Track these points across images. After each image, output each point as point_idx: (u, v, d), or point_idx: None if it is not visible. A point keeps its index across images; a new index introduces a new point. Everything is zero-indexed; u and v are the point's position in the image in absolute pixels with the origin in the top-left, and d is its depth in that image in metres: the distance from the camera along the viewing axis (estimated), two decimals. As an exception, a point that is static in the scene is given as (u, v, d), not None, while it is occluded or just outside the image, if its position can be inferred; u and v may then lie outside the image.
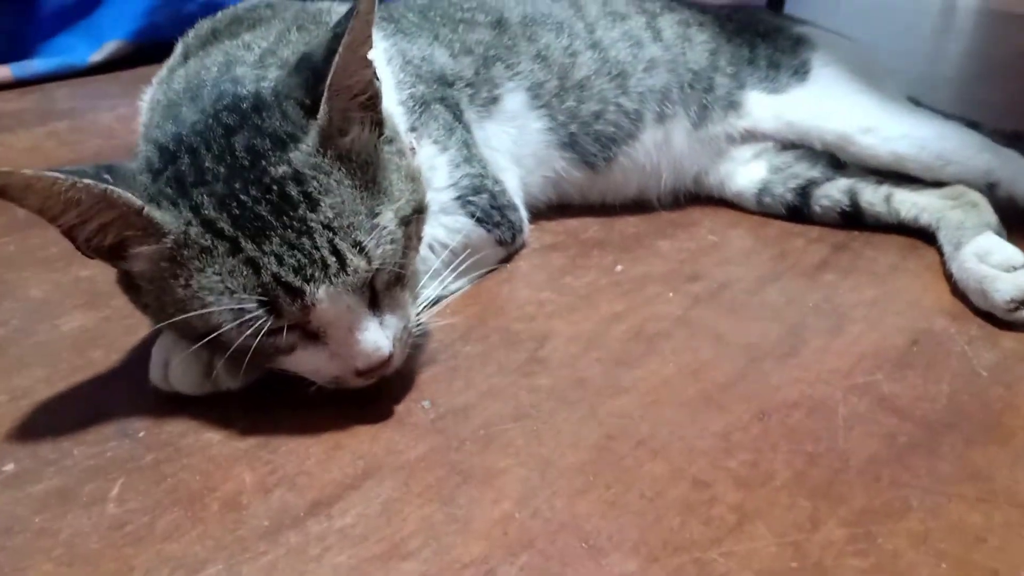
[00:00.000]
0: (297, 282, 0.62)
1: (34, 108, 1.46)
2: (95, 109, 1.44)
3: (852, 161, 1.05)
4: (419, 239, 0.73)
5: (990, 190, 1.00)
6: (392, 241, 0.66)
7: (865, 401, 0.73)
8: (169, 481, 0.63)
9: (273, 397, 0.71)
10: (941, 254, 0.96)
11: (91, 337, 0.80)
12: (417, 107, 0.89)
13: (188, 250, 0.63)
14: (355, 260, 0.63)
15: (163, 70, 0.84)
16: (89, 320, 0.83)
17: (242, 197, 0.62)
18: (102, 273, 0.87)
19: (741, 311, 0.87)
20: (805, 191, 1.05)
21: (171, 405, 0.70)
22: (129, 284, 0.68)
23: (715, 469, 0.65)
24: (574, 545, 0.58)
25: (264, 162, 0.63)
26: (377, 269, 0.65)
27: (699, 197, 1.11)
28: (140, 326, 0.80)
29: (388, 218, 0.66)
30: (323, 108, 0.64)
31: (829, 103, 1.06)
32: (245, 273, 0.62)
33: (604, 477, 0.64)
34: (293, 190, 0.62)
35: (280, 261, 0.62)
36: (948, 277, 0.92)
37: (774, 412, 0.72)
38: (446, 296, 0.85)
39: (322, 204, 0.63)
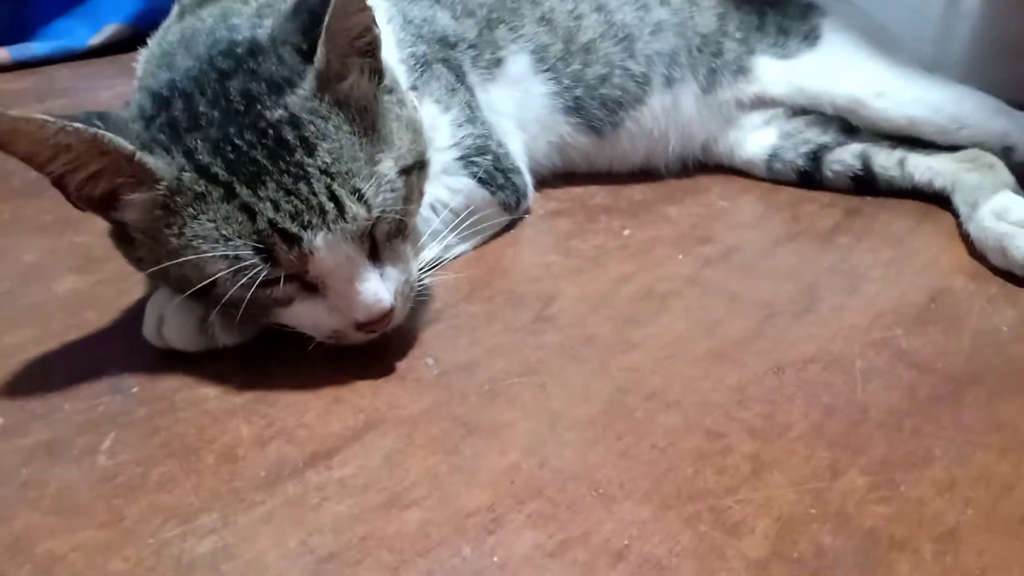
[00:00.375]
0: (294, 228, 0.60)
1: (32, 88, 1.44)
2: (93, 88, 1.42)
3: (865, 125, 1.03)
4: (421, 194, 0.71)
5: (1006, 154, 0.98)
6: (392, 190, 0.64)
7: (884, 356, 0.71)
8: (163, 435, 0.61)
9: (270, 354, 0.69)
10: (957, 217, 0.94)
11: (84, 298, 0.78)
12: (418, 66, 0.87)
13: (182, 197, 0.60)
14: (354, 207, 0.61)
15: (159, 30, 0.82)
16: (82, 283, 0.80)
17: (237, 142, 0.60)
18: (97, 239, 0.86)
19: (754, 272, 0.85)
20: (817, 156, 1.03)
21: (165, 361, 0.68)
22: (122, 236, 0.66)
23: (729, 420, 0.63)
24: (584, 493, 0.55)
25: (259, 106, 0.60)
26: (377, 218, 0.63)
27: (707, 166, 1.09)
28: (135, 288, 0.78)
29: (388, 166, 0.64)
30: (320, 50, 0.61)
31: (840, 67, 1.04)
32: (240, 219, 0.60)
33: (615, 429, 0.61)
34: (289, 134, 0.60)
35: (276, 207, 0.60)
36: (965, 238, 0.90)
37: (789, 366, 0.69)
38: (448, 259, 0.83)
39: (319, 149, 0.61)
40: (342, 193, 0.61)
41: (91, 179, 0.61)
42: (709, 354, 0.71)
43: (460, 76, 0.92)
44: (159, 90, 0.63)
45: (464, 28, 0.95)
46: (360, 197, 0.62)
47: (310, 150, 0.60)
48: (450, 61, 0.91)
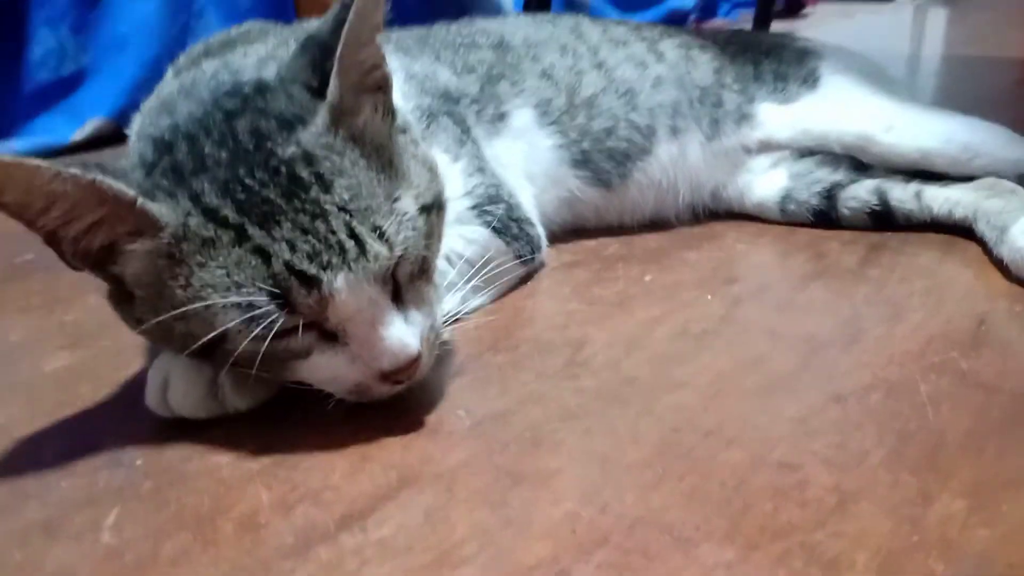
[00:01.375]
0: (312, 269, 0.55)
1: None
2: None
3: (875, 162, 1.01)
4: (440, 236, 0.66)
5: (1022, 183, 0.96)
6: (414, 228, 0.60)
7: (946, 379, 0.66)
8: (173, 506, 0.54)
9: (287, 416, 0.63)
10: (983, 244, 0.91)
11: (77, 374, 0.72)
12: (424, 118, 0.84)
13: (188, 244, 0.56)
14: (375, 245, 0.57)
15: (153, 92, 0.79)
16: (75, 359, 0.74)
17: (247, 182, 0.56)
18: (89, 315, 0.81)
19: (788, 308, 0.80)
20: (831, 194, 1.00)
21: (171, 431, 0.61)
22: (120, 296, 0.61)
23: (799, 453, 0.57)
24: (655, 538, 0.49)
25: (270, 143, 0.57)
26: (400, 258, 0.59)
27: (718, 213, 1.06)
28: (134, 361, 0.72)
29: (408, 203, 0.60)
30: (333, 83, 0.58)
31: (845, 106, 1.03)
32: (254, 264, 0.55)
33: (675, 469, 0.56)
34: (304, 171, 0.56)
35: (293, 247, 0.55)
36: (998, 263, 0.86)
37: (850, 396, 0.64)
38: (465, 312, 0.78)
39: (336, 185, 0.57)
40: (362, 231, 0.56)
41: (89, 231, 0.57)
42: (760, 388, 0.65)
43: (465, 129, 0.89)
44: (160, 135, 0.60)
45: (466, 84, 0.93)
46: (381, 235, 0.57)
47: (326, 187, 0.56)
48: (454, 115, 0.89)
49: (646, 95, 1.01)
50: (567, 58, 1.00)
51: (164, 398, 0.62)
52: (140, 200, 0.55)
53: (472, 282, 0.75)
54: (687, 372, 0.68)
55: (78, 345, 0.77)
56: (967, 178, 0.97)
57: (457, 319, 0.73)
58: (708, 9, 2.93)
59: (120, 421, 0.64)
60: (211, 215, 0.56)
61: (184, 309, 0.56)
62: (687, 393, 0.65)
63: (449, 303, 0.73)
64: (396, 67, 0.87)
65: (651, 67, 1.04)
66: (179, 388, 0.62)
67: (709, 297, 0.82)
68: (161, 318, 0.58)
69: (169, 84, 0.70)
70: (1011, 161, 0.97)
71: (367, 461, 0.57)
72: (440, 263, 0.75)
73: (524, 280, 0.88)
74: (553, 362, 0.70)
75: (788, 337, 0.74)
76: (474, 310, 0.80)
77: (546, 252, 0.92)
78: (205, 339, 0.57)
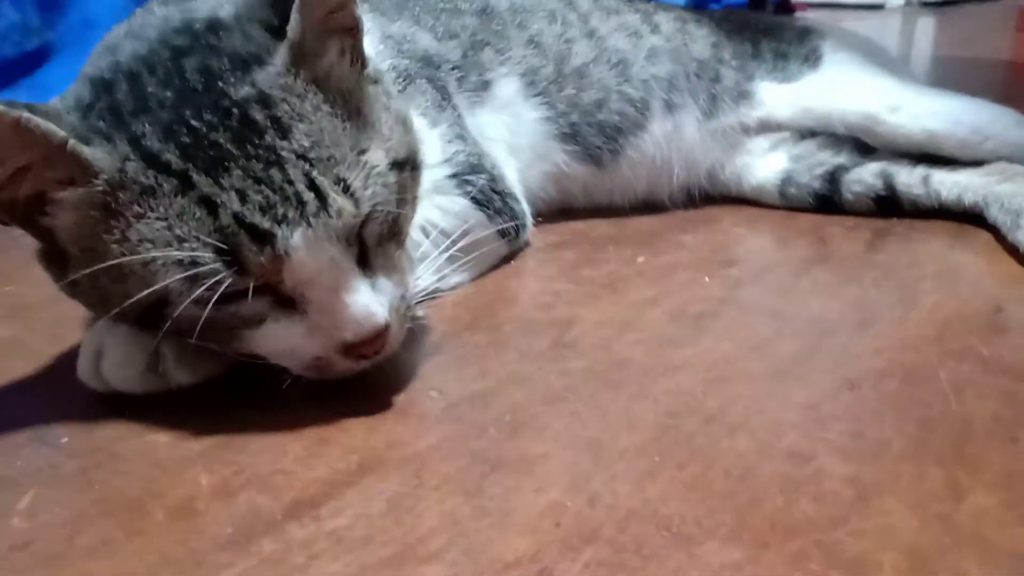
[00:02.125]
0: (266, 223, 0.48)
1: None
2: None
3: (880, 143, 0.95)
4: (415, 199, 0.60)
5: (1034, 167, 0.91)
6: (384, 184, 0.53)
7: (967, 365, 0.60)
8: (98, 490, 0.47)
9: (237, 394, 0.56)
10: (996, 231, 0.85)
11: (9, 347, 0.64)
12: (400, 79, 0.77)
13: (125, 192, 0.49)
14: (339, 199, 0.50)
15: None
16: (8, 331, 0.67)
17: (194, 123, 0.49)
18: (30, 288, 0.73)
19: (793, 290, 0.74)
20: (834, 177, 0.95)
21: (105, 407, 0.54)
22: (52, 255, 0.54)
23: (811, 441, 0.51)
24: (652, 534, 0.43)
25: (222, 83, 0.50)
26: (367, 216, 0.52)
27: (714, 197, 1.00)
28: (71, 334, 0.64)
29: (377, 156, 0.53)
30: (294, 18, 0.52)
31: (849, 85, 0.97)
32: (198, 215, 0.48)
33: (674, 457, 0.49)
34: (258, 114, 0.50)
35: (243, 198, 0.48)
36: (1013, 250, 0.81)
37: (864, 381, 0.58)
38: (443, 290, 0.72)
39: (295, 130, 0.50)
40: (324, 182, 0.50)
41: (14, 178, 0.50)
42: (766, 373, 0.59)
43: (446, 96, 0.82)
44: (99, 74, 0.53)
45: (447, 49, 0.87)
46: (346, 188, 0.51)
47: (284, 131, 0.50)
48: (434, 80, 0.82)
49: (640, 66, 0.95)
50: (556, 25, 0.94)
51: (98, 369, 0.55)
52: (71, 143, 0.48)
53: (448, 254, 0.68)
54: (685, 355, 0.62)
55: (15, 317, 0.70)
56: (975, 163, 0.92)
57: (433, 295, 0.66)
58: (699, 7, 2.88)
59: (50, 397, 0.57)
60: (152, 160, 0.49)
61: (117, 262, 0.49)
62: (686, 377, 0.59)
63: (424, 277, 0.66)
64: (370, 27, 0.80)
65: (646, 37, 0.98)
66: (115, 359, 0.55)
67: (707, 279, 0.76)
68: (94, 277, 0.51)
69: (117, 28, 0.63)
70: (1021, 145, 0.92)
71: (325, 444, 0.51)
72: (414, 233, 0.68)
73: (507, 260, 0.82)
74: (538, 343, 0.64)
75: (794, 320, 0.68)
76: (452, 287, 0.74)
77: (531, 230, 0.85)
78: (143, 301, 0.50)
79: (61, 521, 0.44)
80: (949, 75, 2.07)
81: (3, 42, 1.52)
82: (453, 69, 0.86)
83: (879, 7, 3.74)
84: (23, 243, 0.54)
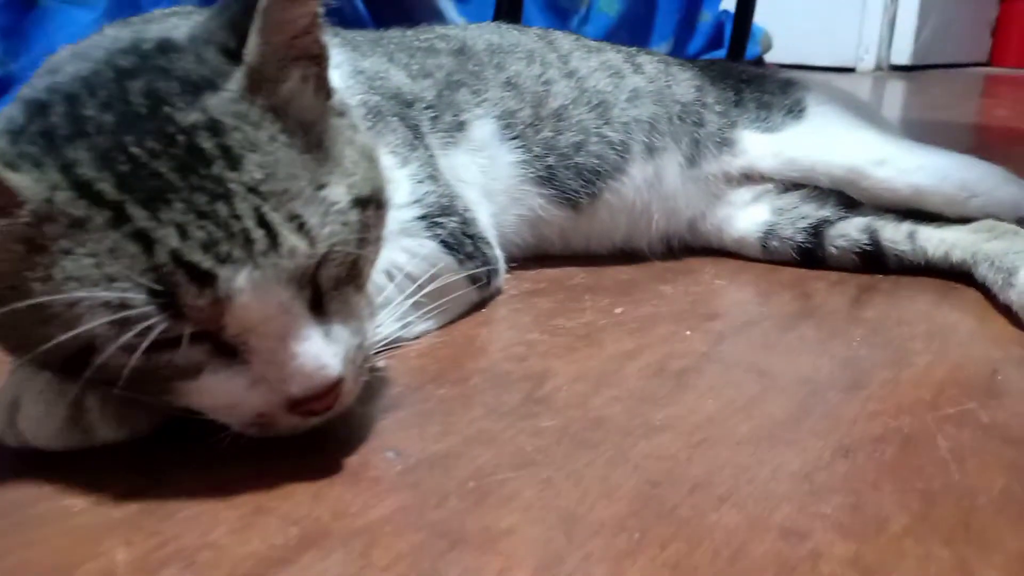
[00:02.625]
0: (207, 262, 0.43)
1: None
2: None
3: (865, 198, 0.93)
4: (378, 241, 0.55)
5: (1021, 226, 0.88)
6: (344, 223, 0.48)
7: (967, 432, 0.56)
8: (5, 563, 0.41)
9: (168, 454, 0.50)
10: (985, 290, 0.82)
11: (-79, 393, 0.58)
12: (370, 116, 0.73)
13: (52, 225, 0.44)
14: (291, 237, 0.45)
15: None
16: (-77, 375, 0.61)
17: (134, 151, 0.44)
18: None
19: (778, 347, 0.70)
20: (818, 231, 0.92)
21: (20, 464, 0.48)
22: (-30, 293, 0.48)
23: (806, 516, 0.46)
24: (633, 625, 0.37)
25: (168, 108, 0.45)
26: (324, 257, 0.47)
27: (694, 248, 0.96)
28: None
29: (338, 192, 0.49)
30: (253, 39, 0.47)
31: (833, 137, 0.95)
32: (132, 251, 0.43)
33: (656, 533, 0.44)
34: (207, 142, 0.45)
35: (184, 234, 0.44)
36: (1005, 309, 0.78)
37: (859, 448, 0.54)
38: (407, 339, 0.67)
39: (246, 161, 0.45)
40: (275, 218, 0.45)
41: (-72, 208, 0.44)
42: (754, 436, 0.55)
43: (418, 135, 0.78)
44: (35, 96, 0.48)
45: (421, 88, 0.83)
46: (301, 225, 0.46)
47: (234, 162, 0.45)
48: (406, 119, 0.78)
49: (621, 108, 0.92)
50: (534, 66, 0.91)
51: (14, 422, 0.49)
52: (-6, 168, 0.43)
53: (412, 300, 0.63)
54: (667, 415, 0.57)
55: (-68, 359, 0.63)
56: (962, 220, 0.90)
57: (395, 344, 0.61)
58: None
59: (-42, 451, 0.51)
60: (84, 190, 0.44)
61: (38, 301, 0.44)
62: (667, 439, 0.54)
63: (386, 325, 0.61)
64: (341, 61, 0.76)
65: (628, 78, 0.95)
66: (33, 411, 0.49)
67: (688, 332, 0.72)
68: (15, 318, 0.45)
69: (63, 48, 0.59)
70: (1009, 202, 0.90)
71: (262, 513, 0.45)
72: (378, 277, 0.63)
73: (477, 307, 0.77)
74: (508, 398, 0.59)
75: (781, 379, 0.63)
76: (417, 336, 0.69)
77: (504, 277, 0.81)
78: (66, 346, 0.44)
79: (-53, 602, 0.38)
80: (919, 137, 2.07)
81: (-35, 72, 1.47)
82: (426, 108, 0.82)
83: (850, 70, 3.81)
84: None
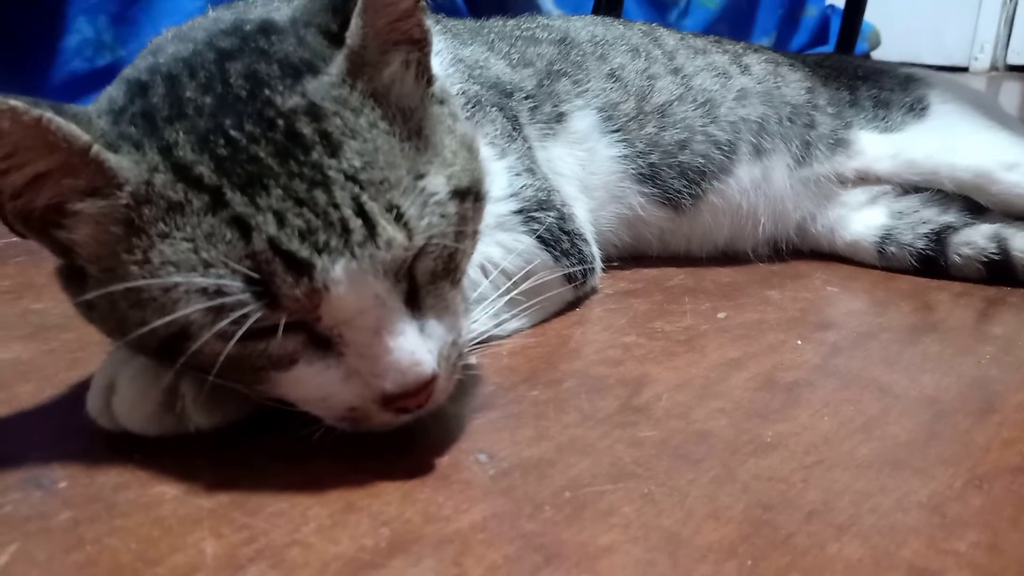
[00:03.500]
0: (304, 251, 0.42)
1: None
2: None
3: (993, 204, 0.86)
4: (475, 234, 0.53)
5: None
6: (442, 214, 0.46)
7: (1122, 468, 0.50)
8: (88, 549, 0.40)
9: (260, 443, 0.49)
10: None
11: (24, 370, 0.59)
12: (469, 105, 0.71)
13: (151, 208, 0.43)
14: (389, 228, 0.43)
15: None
16: (28, 352, 0.62)
17: (233, 134, 0.43)
18: (59, 306, 0.68)
19: (899, 362, 0.65)
20: (940, 238, 0.85)
21: (111, 448, 0.48)
22: (70, 273, 0.48)
23: (938, 552, 0.42)
24: (746, 665, 0.34)
25: (268, 91, 0.44)
26: (421, 249, 0.45)
27: (802, 252, 0.91)
28: (93, 359, 0.59)
29: (437, 182, 0.47)
30: (355, 23, 0.46)
31: (959, 139, 0.88)
32: (229, 238, 0.42)
33: (770, 562, 0.41)
34: (306, 127, 0.44)
35: (281, 221, 0.42)
36: None
37: (994, 479, 0.49)
38: (500, 336, 0.65)
39: (346, 148, 0.44)
40: (374, 208, 0.43)
41: (32, 184, 0.44)
42: (875, 460, 0.50)
43: (516, 126, 0.76)
44: (136, 76, 0.48)
45: (521, 77, 0.81)
46: (399, 216, 0.44)
47: (333, 149, 0.43)
48: (505, 109, 0.76)
49: (728, 107, 0.88)
50: (639, 61, 0.88)
51: (108, 405, 0.49)
52: (95, 148, 0.43)
53: (508, 298, 0.61)
54: (777, 431, 0.53)
55: (35, 337, 0.64)
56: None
57: (487, 342, 0.59)
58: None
59: (55, 432, 0.51)
60: (182, 173, 0.43)
61: (135, 285, 0.43)
62: (779, 458, 0.50)
63: (480, 321, 0.59)
64: (441, 48, 0.75)
65: (735, 78, 0.90)
66: (128, 395, 0.48)
67: (799, 342, 0.67)
68: (112, 301, 0.45)
69: (167, 30, 0.58)
70: None
71: (353, 512, 0.43)
72: (472, 272, 0.61)
73: (572, 306, 0.74)
74: (604, 404, 0.56)
75: (903, 398, 0.58)
76: (509, 334, 0.66)
77: (600, 276, 0.77)
78: (161, 331, 0.44)
79: (36, 587, 0.37)
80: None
81: (75, 57, 1.52)
82: (526, 98, 0.80)
83: (963, 70, 3.61)
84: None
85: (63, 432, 0.51)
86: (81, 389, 0.55)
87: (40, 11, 1.49)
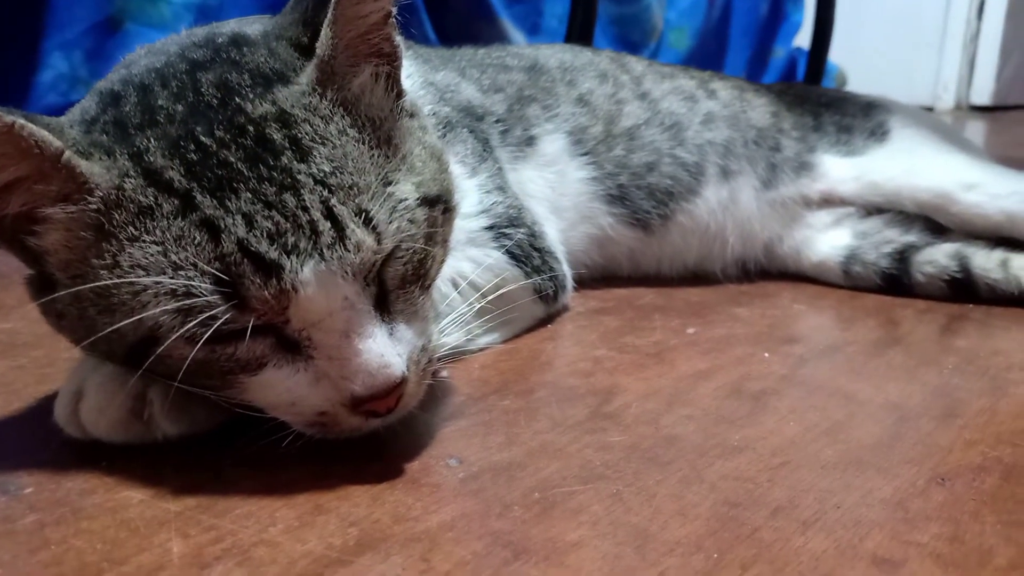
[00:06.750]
0: (273, 252, 0.43)
1: None
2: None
3: (953, 224, 0.88)
4: (445, 242, 0.54)
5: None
6: (411, 220, 0.47)
7: (1079, 466, 0.51)
8: (54, 550, 0.40)
9: (227, 451, 0.49)
10: (1088, 322, 0.77)
11: (-9, 385, 0.58)
12: (440, 126, 0.73)
13: (121, 212, 0.44)
14: (358, 232, 0.44)
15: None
16: (-5, 368, 0.61)
17: (203, 139, 0.44)
18: (28, 325, 0.68)
19: (864, 372, 0.66)
20: (903, 257, 0.87)
21: (79, 456, 0.48)
22: (41, 283, 0.48)
23: (901, 544, 0.42)
24: (712, 649, 0.34)
25: (239, 99, 0.45)
26: (389, 254, 0.46)
27: (770, 272, 0.93)
28: (60, 374, 0.58)
29: (406, 189, 0.48)
30: (325, 33, 0.47)
31: (919, 161, 0.91)
32: (198, 240, 0.43)
33: (736, 554, 0.41)
34: (276, 133, 0.45)
35: (250, 223, 0.43)
36: (1112, 342, 0.72)
37: (956, 477, 0.49)
38: (471, 351, 0.65)
39: (315, 153, 0.45)
40: (343, 211, 0.44)
41: (3, 191, 0.45)
42: (840, 461, 0.51)
43: (487, 147, 0.77)
44: (109, 88, 0.48)
45: (491, 102, 0.83)
46: (368, 220, 0.45)
47: (303, 154, 0.44)
48: (476, 132, 0.77)
49: (695, 130, 0.90)
50: (607, 86, 0.90)
51: (76, 413, 0.49)
52: (67, 154, 0.43)
53: (477, 310, 0.62)
54: (744, 436, 0.54)
55: (5, 354, 0.64)
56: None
57: (459, 356, 0.60)
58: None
59: (23, 441, 0.51)
60: (153, 178, 0.44)
61: (104, 284, 0.43)
62: (746, 460, 0.50)
63: (452, 336, 0.59)
64: (412, 72, 0.76)
65: (701, 102, 0.93)
66: (95, 401, 0.48)
67: (766, 355, 0.68)
68: (81, 307, 0.45)
69: (140, 48, 0.59)
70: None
71: (321, 513, 0.43)
72: (443, 286, 0.62)
73: (543, 323, 0.75)
74: (575, 412, 0.56)
75: (868, 404, 0.59)
76: (481, 349, 0.67)
77: (571, 293, 0.78)
78: (130, 335, 0.44)
79: (-3, 586, 0.37)
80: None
81: (50, 92, 1.53)
82: (497, 122, 0.81)
83: (928, 109, 3.71)
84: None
85: (31, 442, 0.50)
86: (50, 402, 0.55)
87: (15, 46, 1.49)
